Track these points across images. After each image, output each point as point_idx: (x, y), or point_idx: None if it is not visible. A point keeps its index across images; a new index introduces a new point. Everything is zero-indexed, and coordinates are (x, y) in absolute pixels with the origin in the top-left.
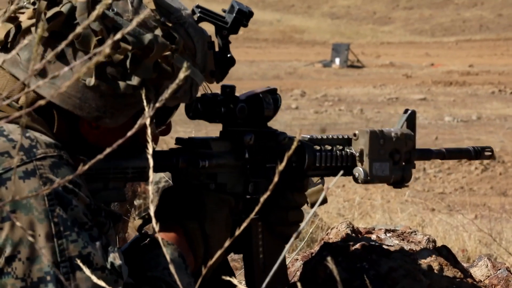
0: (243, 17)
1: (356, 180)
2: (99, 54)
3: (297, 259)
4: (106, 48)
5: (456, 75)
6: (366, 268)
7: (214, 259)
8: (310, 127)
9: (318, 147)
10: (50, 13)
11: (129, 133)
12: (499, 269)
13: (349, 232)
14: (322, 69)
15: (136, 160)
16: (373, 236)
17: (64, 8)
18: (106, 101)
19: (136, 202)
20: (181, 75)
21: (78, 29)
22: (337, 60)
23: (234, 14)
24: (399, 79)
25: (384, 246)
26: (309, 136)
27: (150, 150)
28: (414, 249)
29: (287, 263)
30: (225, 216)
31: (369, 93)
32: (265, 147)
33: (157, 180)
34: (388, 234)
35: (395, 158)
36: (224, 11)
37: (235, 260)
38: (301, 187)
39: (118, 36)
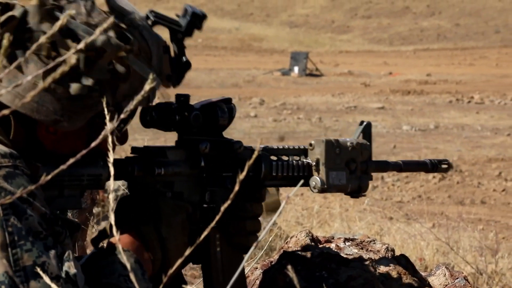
0: (197, 20)
1: (313, 189)
2: (64, 64)
3: (257, 268)
4: (72, 58)
5: (414, 84)
6: (325, 277)
7: (174, 267)
8: (268, 135)
9: (274, 158)
10: (3, 18)
11: (93, 144)
12: (457, 278)
13: (309, 240)
14: (281, 77)
15: (91, 168)
16: (332, 245)
17: (17, 12)
18: (63, 104)
19: (95, 210)
20: (147, 87)
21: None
22: (296, 69)
23: (188, 18)
24: (358, 88)
25: (343, 255)
26: (263, 146)
27: (111, 159)
28: (373, 258)
29: (246, 271)
30: (181, 221)
31: (327, 102)
32: (220, 156)
33: (116, 188)
34: (347, 243)
35: (351, 167)
36: (178, 16)
37: (194, 268)
38: (259, 197)
39: (81, 46)
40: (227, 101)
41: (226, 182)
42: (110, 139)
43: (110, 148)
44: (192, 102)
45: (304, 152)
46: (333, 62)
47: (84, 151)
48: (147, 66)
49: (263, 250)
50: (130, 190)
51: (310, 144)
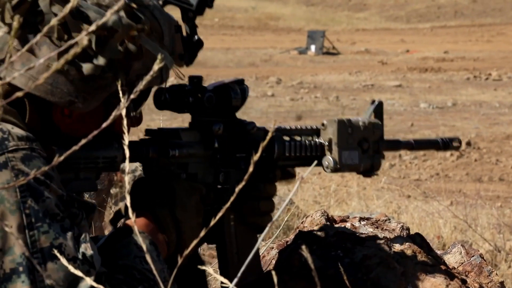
0: None
1: (326, 169)
2: (76, 46)
3: (273, 248)
4: (84, 40)
5: (431, 61)
6: (341, 256)
7: (189, 248)
8: (286, 114)
9: (287, 138)
10: (14, 1)
11: (104, 125)
12: (473, 256)
13: (324, 220)
14: (298, 56)
15: (107, 150)
16: (348, 224)
17: None
18: (77, 85)
19: (112, 191)
20: (155, 67)
21: (53, 21)
22: (313, 47)
23: None
24: (375, 66)
25: (358, 234)
26: (276, 127)
27: (126, 141)
28: (388, 236)
29: (262, 251)
30: (195, 203)
31: (344, 80)
32: (234, 137)
33: (133, 169)
34: (362, 222)
35: (363, 146)
36: None
37: (212, 248)
38: (272, 177)
39: (93, 28)
40: (240, 82)
41: (240, 163)
42: (125, 121)
43: (125, 130)
44: (209, 81)
45: (316, 132)
46: (350, 40)
47: (95, 132)
48: (159, 46)
49: (279, 229)
50: (145, 172)
51: (323, 124)
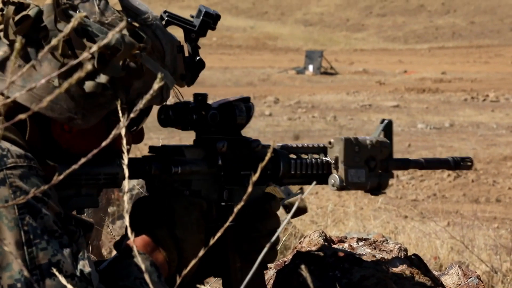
0: (210, 19)
1: (332, 187)
2: (80, 70)
3: (271, 268)
4: (88, 64)
5: (429, 82)
6: (339, 277)
7: (189, 267)
8: (283, 134)
9: (294, 156)
10: (18, 17)
11: (104, 143)
12: (470, 278)
13: (322, 240)
14: (296, 76)
15: (108, 167)
16: (346, 245)
17: (32, 11)
18: (77, 102)
19: (110, 209)
20: (155, 86)
21: (54, 41)
22: (311, 67)
23: (202, 17)
24: (372, 86)
25: (356, 255)
26: (281, 144)
27: (125, 160)
28: (386, 257)
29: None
30: (196, 220)
31: (342, 100)
32: (238, 155)
33: (130, 188)
34: (360, 243)
35: (370, 165)
36: (192, 16)
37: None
38: (268, 210)
39: (95, 48)
40: (245, 100)
41: (244, 180)
42: (124, 141)
43: (125, 149)
44: (209, 100)
45: (323, 150)
46: (348, 60)
47: (95, 151)
48: (161, 65)
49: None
50: (148, 189)
51: (330, 142)
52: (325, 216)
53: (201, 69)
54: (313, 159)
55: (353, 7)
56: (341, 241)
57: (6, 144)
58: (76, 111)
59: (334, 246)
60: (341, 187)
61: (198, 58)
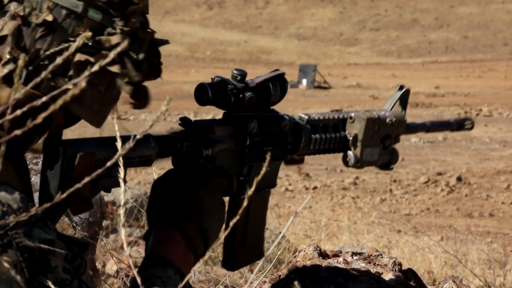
0: None
1: (346, 164)
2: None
3: (265, 282)
4: (82, 82)
5: (422, 96)
6: None
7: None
8: None
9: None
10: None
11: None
12: None
13: (317, 255)
14: (289, 89)
15: (142, 149)
16: (340, 259)
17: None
18: (101, 101)
19: (104, 223)
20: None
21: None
22: (304, 81)
23: None
24: (366, 100)
25: (350, 269)
26: (307, 117)
27: (122, 174)
28: (380, 272)
29: (255, 285)
30: (219, 205)
31: None
32: (266, 132)
33: (125, 201)
34: (354, 257)
35: (386, 143)
36: None
37: (203, 281)
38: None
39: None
40: (281, 76)
41: (266, 156)
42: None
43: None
44: (200, 117)
45: (343, 122)
46: (341, 74)
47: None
48: None
49: (272, 264)
50: (174, 164)
51: (351, 117)
52: (318, 230)
53: None
54: (332, 135)
55: (346, 21)
56: (336, 255)
57: (1, 194)
58: (100, 109)
59: (329, 260)
60: (355, 166)
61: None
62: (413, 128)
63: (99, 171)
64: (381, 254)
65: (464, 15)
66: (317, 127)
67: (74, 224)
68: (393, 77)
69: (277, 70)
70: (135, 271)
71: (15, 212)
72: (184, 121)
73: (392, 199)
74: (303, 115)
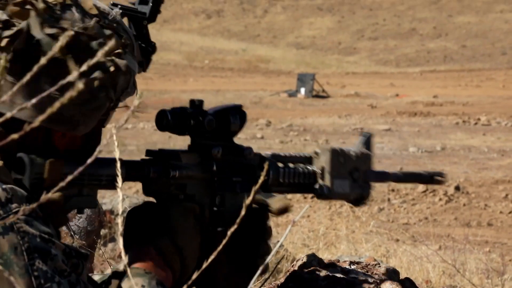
0: (158, 5)
1: (317, 196)
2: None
3: None
4: (79, 84)
5: (421, 105)
6: None
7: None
8: None
9: (281, 164)
10: (7, 33)
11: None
12: None
13: (315, 264)
14: (288, 98)
15: (111, 168)
16: (338, 268)
17: (22, 25)
18: (78, 109)
19: (102, 232)
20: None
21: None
22: (303, 90)
23: (151, 4)
24: (364, 109)
25: (348, 279)
26: (271, 153)
27: (117, 156)
28: (378, 281)
29: None
30: (192, 225)
31: (334, 123)
32: (231, 161)
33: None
34: (353, 266)
35: (354, 176)
36: (132, 3)
37: None
38: (271, 229)
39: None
40: (239, 107)
41: (236, 186)
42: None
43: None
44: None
45: (309, 160)
46: (339, 83)
47: (96, 151)
48: (132, 58)
49: (270, 273)
50: (144, 192)
51: (316, 152)
52: (316, 239)
53: (154, 53)
54: (300, 169)
55: (345, 30)
56: (334, 264)
57: (7, 185)
58: (78, 118)
59: (327, 269)
60: (326, 197)
61: (153, 43)
62: (385, 176)
63: (64, 182)
64: (379, 263)
65: (463, 25)
66: (284, 162)
67: (72, 233)
68: (391, 86)
69: (234, 104)
70: (133, 281)
71: (19, 199)
72: (150, 151)
73: (390, 208)
74: (267, 152)
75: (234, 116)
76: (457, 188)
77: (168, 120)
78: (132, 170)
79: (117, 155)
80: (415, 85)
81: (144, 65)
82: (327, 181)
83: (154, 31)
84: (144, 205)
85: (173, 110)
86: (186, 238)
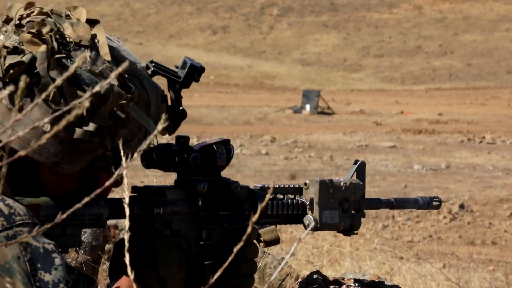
0: (195, 72)
1: (306, 227)
2: (77, 108)
3: None
4: (85, 102)
5: (426, 123)
6: None
7: None
8: (280, 173)
9: (270, 196)
10: (9, 61)
11: (107, 183)
12: None
13: (319, 281)
14: (293, 115)
15: (93, 207)
16: (343, 286)
17: (25, 58)
18: (64, 147)
19: (106, 247)
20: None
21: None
22: (308, 107)
23: (187, 69)
24: (369, 127)
25: None
26: (260, 186)
27: (126, 200)
28: None
29: None
30: (177, 259)
31: (339, 140)
32: (218, 195)
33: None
34: (357, 284)
35: (344, 206)
36: (176, 67)
37: None
38: (249, 239)
39: (88, 94)
40: (226, 142)
41: (223, 220)
42: (125, 181)
43: (126, 190)
44: (204, 138)
45: (299, 191)
46: (345, 100)
47: (94, 193)
48: (146, 114)
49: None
50: (130, 229)
51: (305, 184)
52: (320, 256)
53: (183, 119)
54: (289, 200)
55: (350, 47)
56: (338, 281)
57: (9, 200)
58: (63, 156)
59: (331, 286)
60: (315, 228)
61: (181, 108)
62: (378, 203)
63: (48, 225)
64: (383, 281)
65: (468, 43)
66: (273, 193)
67: (77, 248)
68: (396, 103)
69: (222, 138)
70: None
71: (22, 215)
72: (135, 187)
73: (394, 226)
74: (256, 185)
75: (220, 151)
76: (461, 206)
77: (152, 157)
78: (115, 207)
79: (126, 199)
80: (420, 103)
81: (168, 127)
82: (316, 212)
83: (160, 46)
84: (131, 237)
85: (158, 147)
86: (169, 271)
